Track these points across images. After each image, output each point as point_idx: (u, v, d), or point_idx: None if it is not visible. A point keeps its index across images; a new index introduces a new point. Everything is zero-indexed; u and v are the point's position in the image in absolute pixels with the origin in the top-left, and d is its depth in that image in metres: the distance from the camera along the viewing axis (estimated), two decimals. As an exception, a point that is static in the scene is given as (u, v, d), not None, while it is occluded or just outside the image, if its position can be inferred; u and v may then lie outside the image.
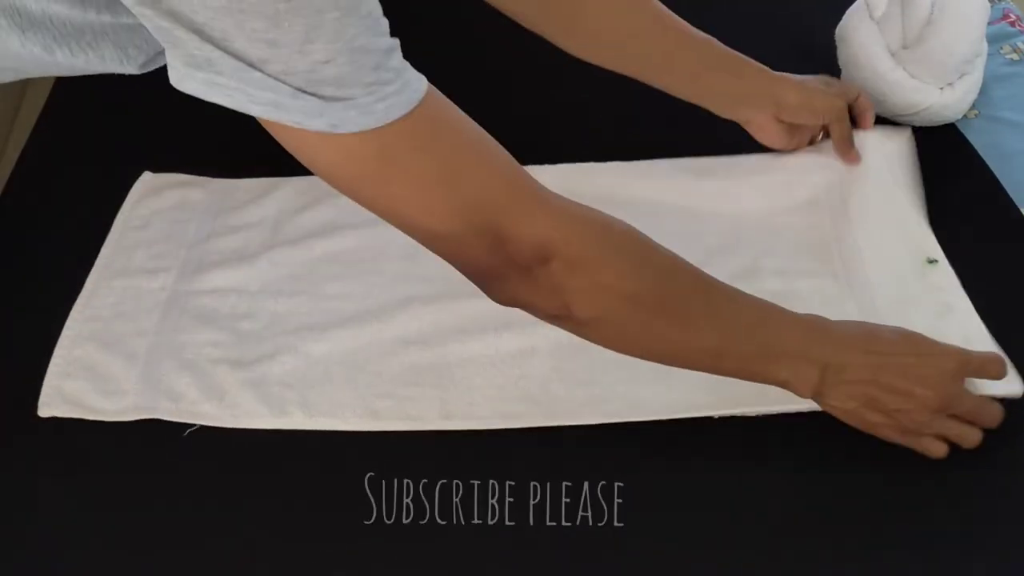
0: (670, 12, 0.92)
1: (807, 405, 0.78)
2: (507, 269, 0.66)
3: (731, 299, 0.74)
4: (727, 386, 0.80)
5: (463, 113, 0.65)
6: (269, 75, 0.55)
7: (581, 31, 0.91)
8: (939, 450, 0.76)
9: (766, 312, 0.75)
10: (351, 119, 0.57)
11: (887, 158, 0.97)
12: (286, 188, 0.98)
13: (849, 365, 0.74)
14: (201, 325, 0.86)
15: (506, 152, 0.67)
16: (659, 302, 0.71)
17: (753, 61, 0.93)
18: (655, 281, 0.71)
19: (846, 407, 0.75)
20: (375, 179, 0.62)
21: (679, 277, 0.73)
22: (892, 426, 0.75)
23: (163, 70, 0.58)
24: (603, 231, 0.70)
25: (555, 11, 0.90)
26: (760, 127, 0.96)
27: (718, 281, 0.74)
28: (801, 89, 0.94)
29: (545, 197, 0.67)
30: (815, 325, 0.76)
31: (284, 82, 0.55)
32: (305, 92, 0.56)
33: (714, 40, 0.92)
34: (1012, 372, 0.79)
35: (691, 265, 0.73)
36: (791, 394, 0.77)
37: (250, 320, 0.86)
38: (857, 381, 0.74)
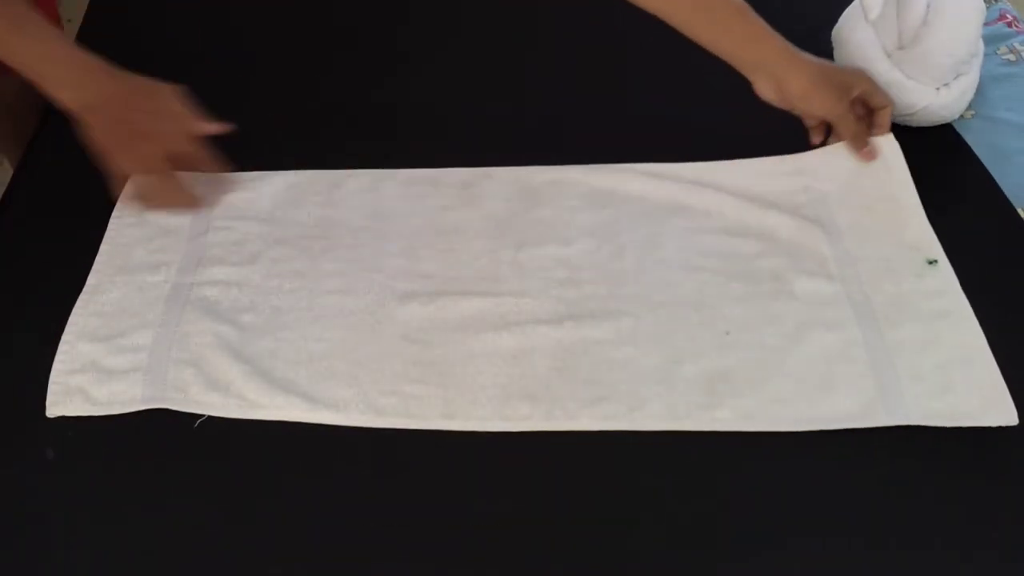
0: None
1: (804, 425, 0.79)
2: None
3: None
4: (728, 390, 0.82)
5: None
6: None
7: None
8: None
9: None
10: None
11: (876, 166, 0.98)
12: (275, 181, 0.99)
13: None
14: (204, 318, 0.86)
15: None
16: None
17: (773, 35, 0.96)
18: None
19: None
20: None
21: None
22: None
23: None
24: None
25: None
26: (761, 92, 0.98)
27: None
28: (808, 79, 0.96)
29: None
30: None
31: None
32: None
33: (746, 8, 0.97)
34: (1008, 401, 0.80)
35: None
36: (793, 414, 0.79)
37: (252, 313, 0.87)
38: None
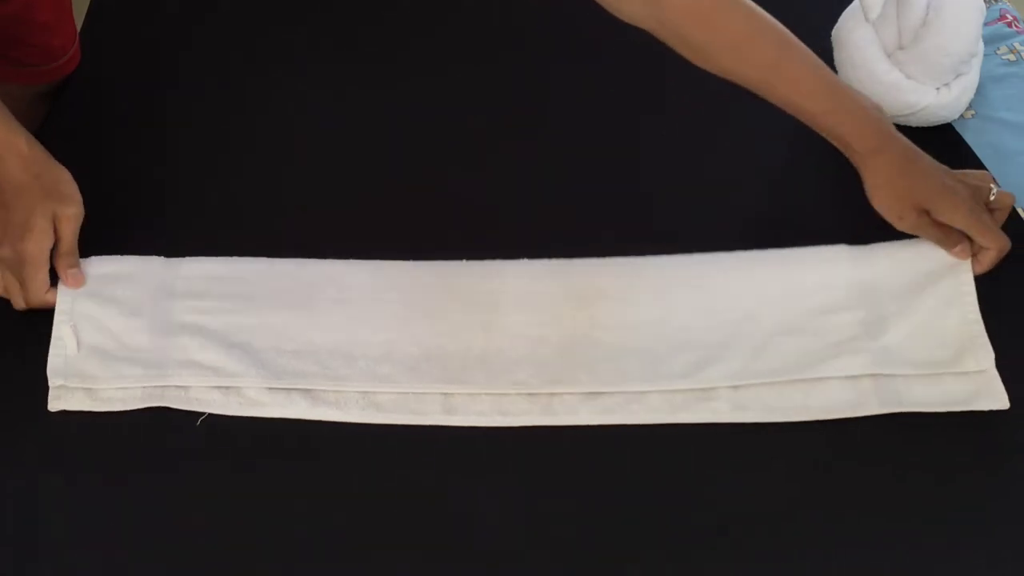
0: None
1: (798, 415, 0.79)
2: None
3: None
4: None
5: None
6: None
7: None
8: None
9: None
10: None
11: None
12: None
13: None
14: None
15: None
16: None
17: (866, 110, 0.88)
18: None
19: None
20: None
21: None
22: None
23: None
24: None
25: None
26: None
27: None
28: (883, 176, 0.86)
29: None
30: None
31: None
32: None
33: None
34: (999, 386, 0.80)
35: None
36: (788, 404, 0.79)
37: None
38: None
